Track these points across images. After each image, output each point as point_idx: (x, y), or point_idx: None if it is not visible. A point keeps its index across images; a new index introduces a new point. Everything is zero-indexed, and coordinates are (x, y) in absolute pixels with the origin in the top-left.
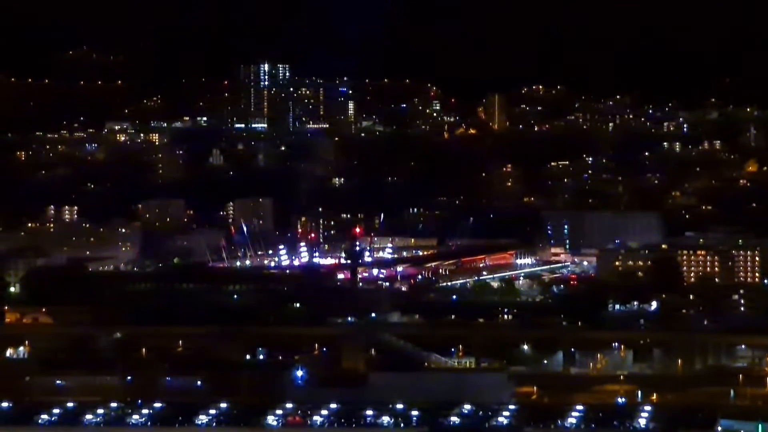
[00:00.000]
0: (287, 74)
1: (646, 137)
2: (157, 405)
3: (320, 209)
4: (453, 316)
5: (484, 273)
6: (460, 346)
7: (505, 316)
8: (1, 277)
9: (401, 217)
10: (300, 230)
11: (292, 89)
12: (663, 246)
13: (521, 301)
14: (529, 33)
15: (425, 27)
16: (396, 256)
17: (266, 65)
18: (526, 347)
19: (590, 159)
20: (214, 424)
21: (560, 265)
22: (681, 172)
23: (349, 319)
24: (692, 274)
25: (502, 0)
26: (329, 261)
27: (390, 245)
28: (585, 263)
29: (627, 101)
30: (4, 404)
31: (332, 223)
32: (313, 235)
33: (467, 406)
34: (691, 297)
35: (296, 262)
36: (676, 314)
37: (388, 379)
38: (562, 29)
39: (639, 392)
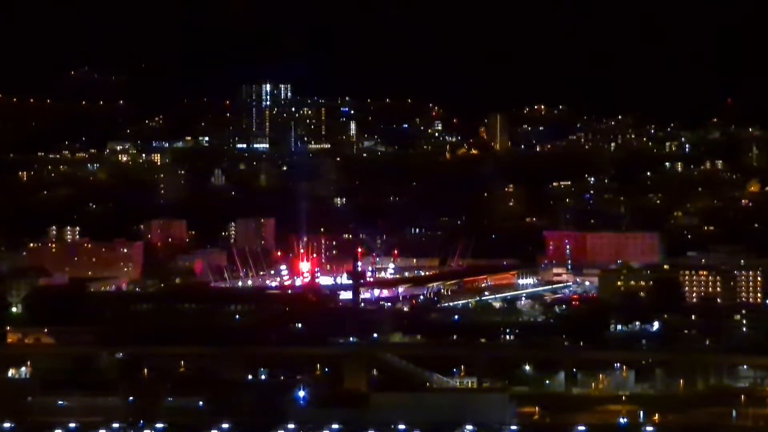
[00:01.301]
0: (289, 94)
1: (648, 157)
2: (159, 425)
3: (322, 229)
4: (455, 336)
5: (486, 293)
6: (462, 366)
7: (507, 337)
8: (4, 297)
9: (403, 237)
10: (302, 250)
11: (293, 109)
12: (665, 266)
13: (523, 321)
14: (531, 53)
15: (426, 47)
16: (398, 276)
17: (268, 85)
18: (528, 367)
19: (592, 179)
20: None
21: (562, 285)
22: (683, 192)
23: (351, 339)
24: (694, 294)
25: (503, 21)
26: (331, 281)
27: (392, 265)
28: (587, 283)
29: (629, 121)
30: (7, 424)
31: (334, 243)
32: (314, 255)
33: (469, 427)
34: (693, 317)
35: (298, 282)
36: (678, 334)
37: (390, 399)
38: (564, 49)
39: (641, 412)
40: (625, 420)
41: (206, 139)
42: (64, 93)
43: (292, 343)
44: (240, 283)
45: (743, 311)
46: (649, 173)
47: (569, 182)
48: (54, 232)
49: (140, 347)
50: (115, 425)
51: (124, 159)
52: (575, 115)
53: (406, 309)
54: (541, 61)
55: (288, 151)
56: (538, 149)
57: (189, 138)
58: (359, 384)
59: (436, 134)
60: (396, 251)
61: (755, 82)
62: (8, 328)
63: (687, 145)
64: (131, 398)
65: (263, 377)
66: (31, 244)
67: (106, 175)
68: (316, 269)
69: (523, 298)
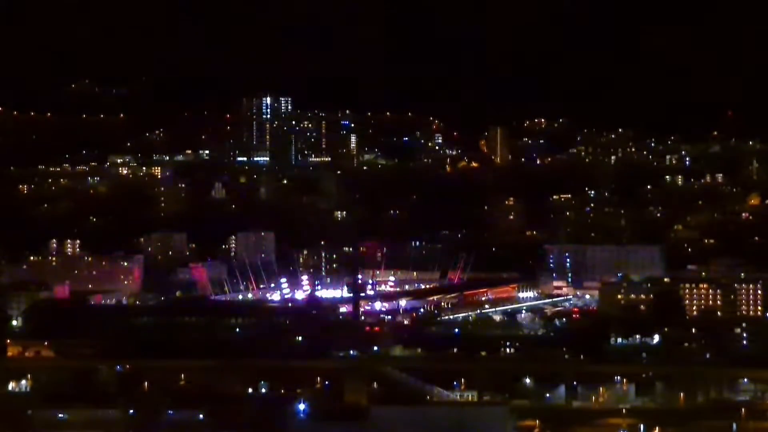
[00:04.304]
0: (289, 107)
1: (649, 170)
2: None
3: (322, 242)
4: (455, 350)
5: (487, 306)
6: (463, 380)
7: (508, 350)
8: (4, 311)
9: (403, 251)
10: (302, 263)
11: (294, 122)
12: (665, 279)
13: (523, 335)
14: (532, 66)
15: (427, 59)
16: (398, 289)
17: (268, 98)
18: (528, 380)
19: (592, 192)
20: None
21: (562, 298)
22: (683, 206)
23: (351, 352)
24: (694, 308)
25: (504, 34)
26: (331, 294)
27: (392, 278)
28: (587, 296)
29: (629, 134)
30: None
31: (334, 256)
32: (315, 268)
33: None
34: (694, 330)
35: (298, 296)
36: (679, 347)
37: (390, 412)
38: (565, 62)
39: (641, 426)
40: None
41: (206, 152)
42: (65, 106)
43: (293, 356)
44: (240, 296)
45: (743, 324)
46: (649, 186)
47: (569, 195)
48: (54, 245)
49: (140, 360)
50: None
51: (125, 172)
52: (575, 128)
53: (406, 322)
54: (542, 74)
55: (288, 164)
56: (538, 162)
57: (189, 151)
58: (359, 397)
59: (437, 147)
60: (396, 264)
61: (756, 95)
62: (9, 341)
63: (687, 159)
64: (131, 411)
65: (263, 390)
66: (32, 258)
67: (106, 188)
68: (316, 282)
69: (524, 311)
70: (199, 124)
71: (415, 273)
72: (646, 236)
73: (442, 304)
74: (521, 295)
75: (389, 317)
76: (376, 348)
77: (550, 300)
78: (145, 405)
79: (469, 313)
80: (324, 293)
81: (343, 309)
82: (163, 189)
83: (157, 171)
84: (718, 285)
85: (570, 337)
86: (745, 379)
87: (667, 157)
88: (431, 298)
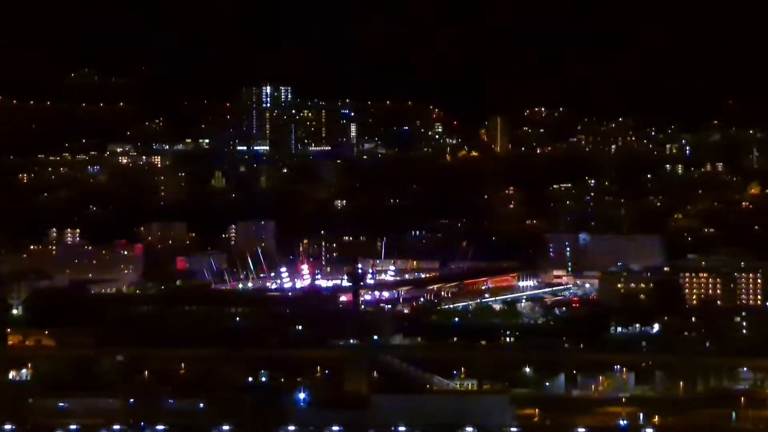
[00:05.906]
0: (289, 96)
1: (649, 159)
2: (160, 427)
3: (322, 232)
4: (455, 339)
5: (487, 295)
6: (463, 369)
7: (507, 339)
8: (4, 300)
9: (403, 240)
10: (302, 252)
11: (294, 111)
12: (665, 268)
13: (523, 324)
14: (531, 56)
15: (427, 49)
16: (398, 278)
17: (268, 87)
18: (528, 369)
19: (593, 181)
20: None
21: (562, 287)
22: (683, 195)
23: (352, 341)
24: (694, 297)
25: (503, 25)
26: (331, 283)
27: (392, 267)
28: (587, 285)
29: (630, 123)
30: (7, 426)
31: (334, 245)
32: (315, 257)
33: (469, 429)
34: (693, 319)
35: (298, 285)
36: (678, 337)
37: (390, 401)
38: (564, 51)
39: (641, 414)
40: (625, 422)
41: (206, 141)
42: (64, 95)
43: (293, 345)
44: (240, 285)
45: (743, 313)
46: (649, 175)
47: (570, 184)
48: (54, 234)
49: (141, 349)
50: (116, 427)
51: (125, 161)
52: (576, 117)
53: (406, 311)
54: (542, 63)
55: (288, 153)
56: (538, 151)
57: (189, 140)
58: (360, 386)
59: (437, 136)
60: (396, 253)
61: (756, 84)
62: (9, 330)
63: (687, 148)
64: (132, 400)
65: (264, 379)
66: (32, 246)
67: (106, 177)
68: (316, 271)
69: (523, 301)
70: (198, 113)
71: (415, 262)
72: (646, 225)
73: (442, 293)
74: (521, 284)
75: (389, 306)
76: (375, 337)
77: (550, 289)
78: (145, 394)
79: (469, 302)
80: (324, 282)
81: (343, 298)
82: (162, 178)
83: (157, 160)
84: (718, 274)
85: (570, 326)
86: (745, 368)
87: (668, 145)
88: (431, 287)
